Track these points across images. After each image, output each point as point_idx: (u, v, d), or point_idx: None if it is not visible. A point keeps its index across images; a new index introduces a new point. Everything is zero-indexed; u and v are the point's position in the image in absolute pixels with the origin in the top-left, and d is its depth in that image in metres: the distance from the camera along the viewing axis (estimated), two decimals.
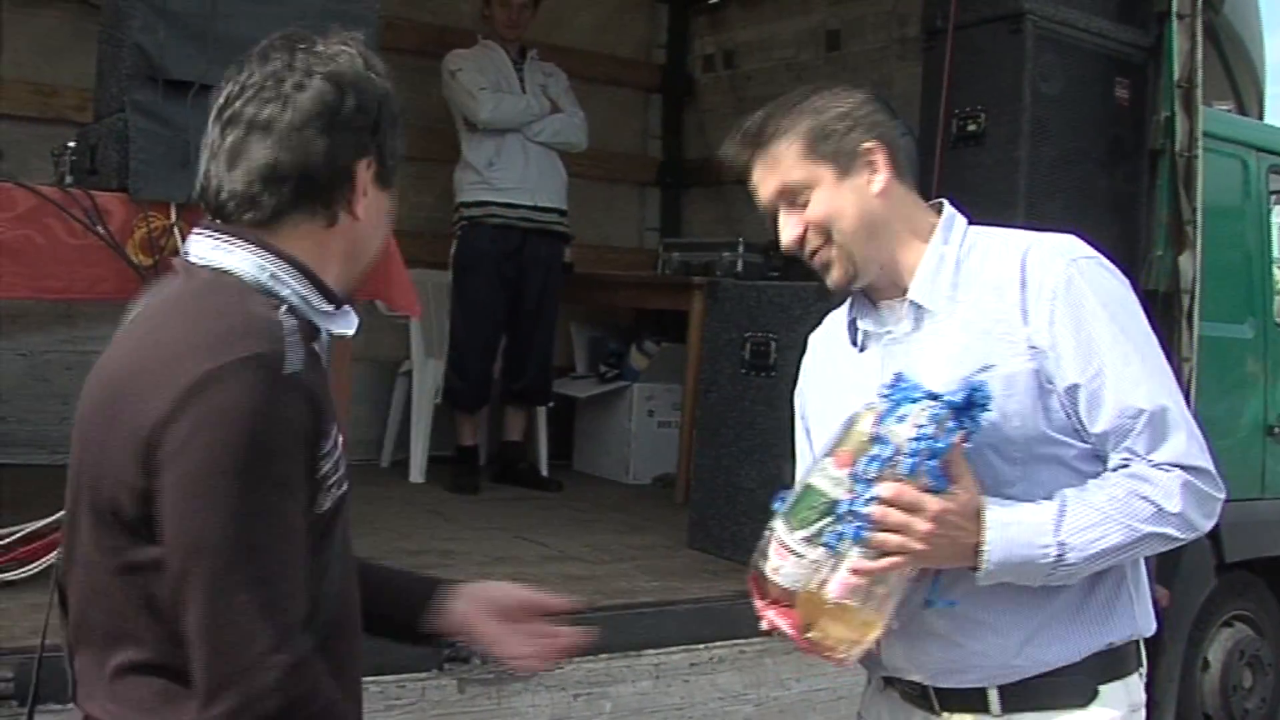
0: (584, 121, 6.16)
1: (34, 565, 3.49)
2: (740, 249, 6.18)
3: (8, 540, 3.56)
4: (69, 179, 3.63)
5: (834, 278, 2.06)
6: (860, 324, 2.12)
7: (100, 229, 3.44)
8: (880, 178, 2.04)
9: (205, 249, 1.68)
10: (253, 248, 1.66)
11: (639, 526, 5.24)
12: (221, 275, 1.66)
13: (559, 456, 6.56)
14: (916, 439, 1.79)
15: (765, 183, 2.08)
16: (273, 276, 1.65)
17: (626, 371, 6.66)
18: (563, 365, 6.76)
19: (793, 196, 2.05)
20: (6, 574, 3.48)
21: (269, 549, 1.51)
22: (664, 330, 6.61)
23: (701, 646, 3.79)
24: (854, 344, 2.13)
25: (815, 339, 2.29)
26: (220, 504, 1.49)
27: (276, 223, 1.69)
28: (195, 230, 1.72)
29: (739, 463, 4.61)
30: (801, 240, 2.05)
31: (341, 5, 3.80)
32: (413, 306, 4.08)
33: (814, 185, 2.03)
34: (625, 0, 7.50)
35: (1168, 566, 4.51)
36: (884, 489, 1.80)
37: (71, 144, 3.76)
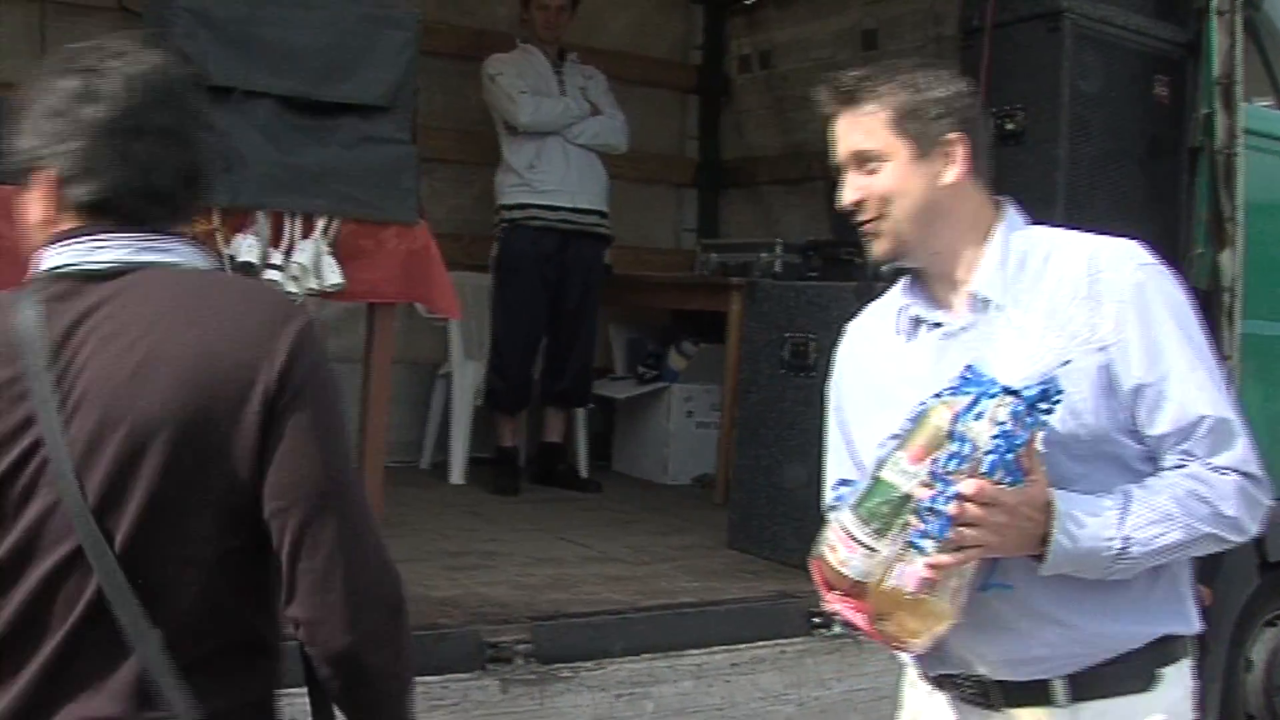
0: (624, 123, 6.18)
1: None
2: (778, 249, 6.18)
3: None
4: None
5: (877, 250, 2.08)
6: (915, 310, 2.11)
7: None
8: (954, 171, 2.04)
9: (137, 251, 1.64)
10: (188, 242, 1.69)
11: (679, 527, 5.25)
12: (199, 268, 1.69)
13: (598, 458, 6.58)
14: (997, 436, 1.80)
15: (844, 139, 2.09)
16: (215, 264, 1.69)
17: (665, 372, 6.67)
18: (601, 366, 6.77)
19: (864, 161, 2.06)
20: None
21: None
22: (702, 331, 6.61)
23: (743, 646, 3.79)
24: (901, 333, 2.12)
25: (854, 329, 2.28)
26: (342, 445, 1.64)
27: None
28: (107, 235, 1.66)
29: (779, 463, 4.62)
30: (858, 205, 2.07)
31: (380, 10, 3.83)
32: (453, 308, 4.10)
33: (888, 158, 2.04)
34: (661, 2, 7.51)
35: (1209, 566, 4.46)
36: (965, 486, 1.80)
37: None
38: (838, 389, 2.27)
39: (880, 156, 2.04)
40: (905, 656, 2.15)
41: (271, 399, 1.59)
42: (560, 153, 5.97)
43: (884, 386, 2.08)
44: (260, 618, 1.68)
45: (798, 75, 7.06)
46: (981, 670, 2.05)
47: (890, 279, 2.22)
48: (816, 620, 3.88)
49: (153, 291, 1.64)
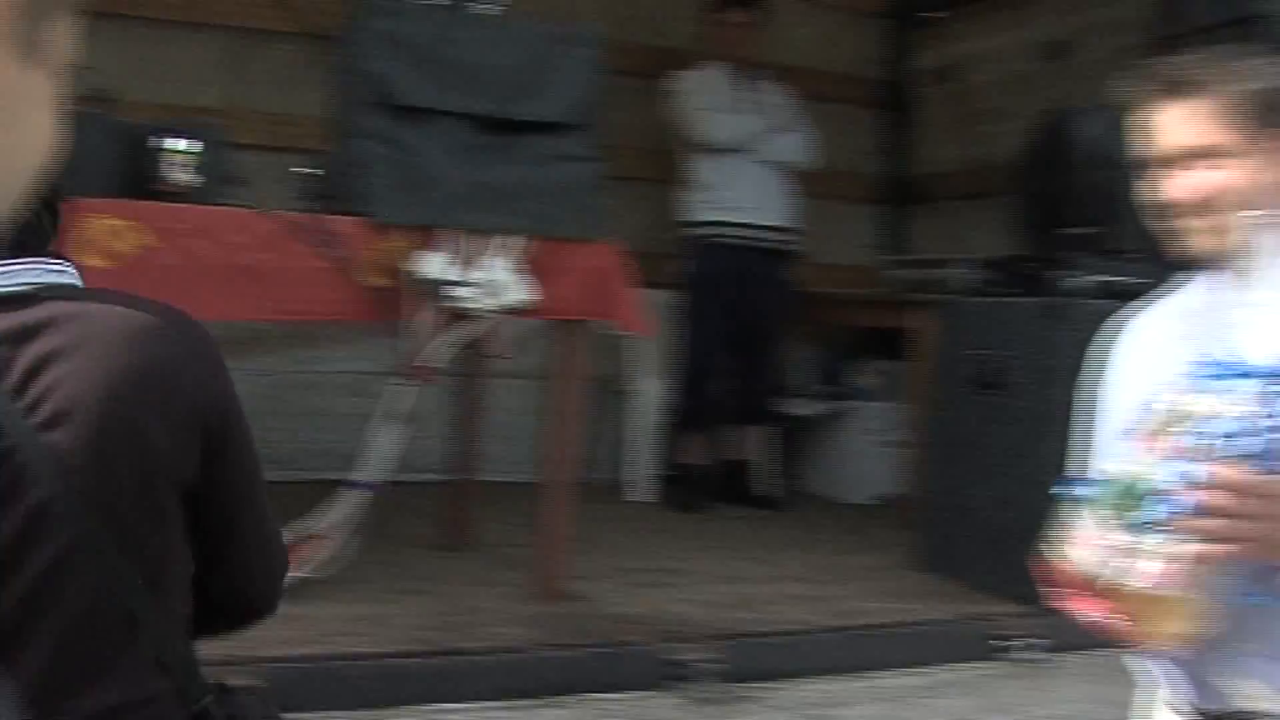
0: (811, 139, 6.14)
1: None
2: (965, 266, 6.06)
3: None
4: (306, 205, 3.76)
5: (1197, 249, 1.87)
6: (1215, 304, 1.90)
7: (335, 252, 3.55)
8: None
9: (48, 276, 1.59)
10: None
11: (863, 546, 5.18)
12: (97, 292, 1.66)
13: (783, 475, 6.53)
14: (1244, 418, 1.66)
15: (1171, 133, 1.85)
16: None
17: (850, 390, 6.60)
18: (786, 384, 6.72)
19: (1200, 156, 1.83)
20: None
21: None
22: (887, 348, 6.52)
23: (931, 670, 3.72)
24: (1194, 328, 1.91)
25: (1140, 324, 2.08)
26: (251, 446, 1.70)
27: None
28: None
29: (969, 483, 4.52)
30: (1190, 202, 1.84)
31: (565, 29, 3.86)
32: (642, 325, 4.11)
33: (1237, 156, 1.81)
34: (844, 16, 7.45)
35: None
36: (1214, 472, 1.62)
37: (309, 171, 3.89)
38: (1111, 386, 2.04)
39: (1225, 153, 1.81)
40: (1147, 678, 1.99)
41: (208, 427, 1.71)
42: (746, 170, 5.95)
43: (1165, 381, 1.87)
44: None
45: (984, 88, 6.94)
46: (1245, 705, 1.80)
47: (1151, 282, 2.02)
48: (1003, 644, 3.79)
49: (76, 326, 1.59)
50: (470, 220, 3.65)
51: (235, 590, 1.73)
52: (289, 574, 1.80)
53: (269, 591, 1.78)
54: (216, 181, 3.53)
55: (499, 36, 3.68)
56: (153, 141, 3.49)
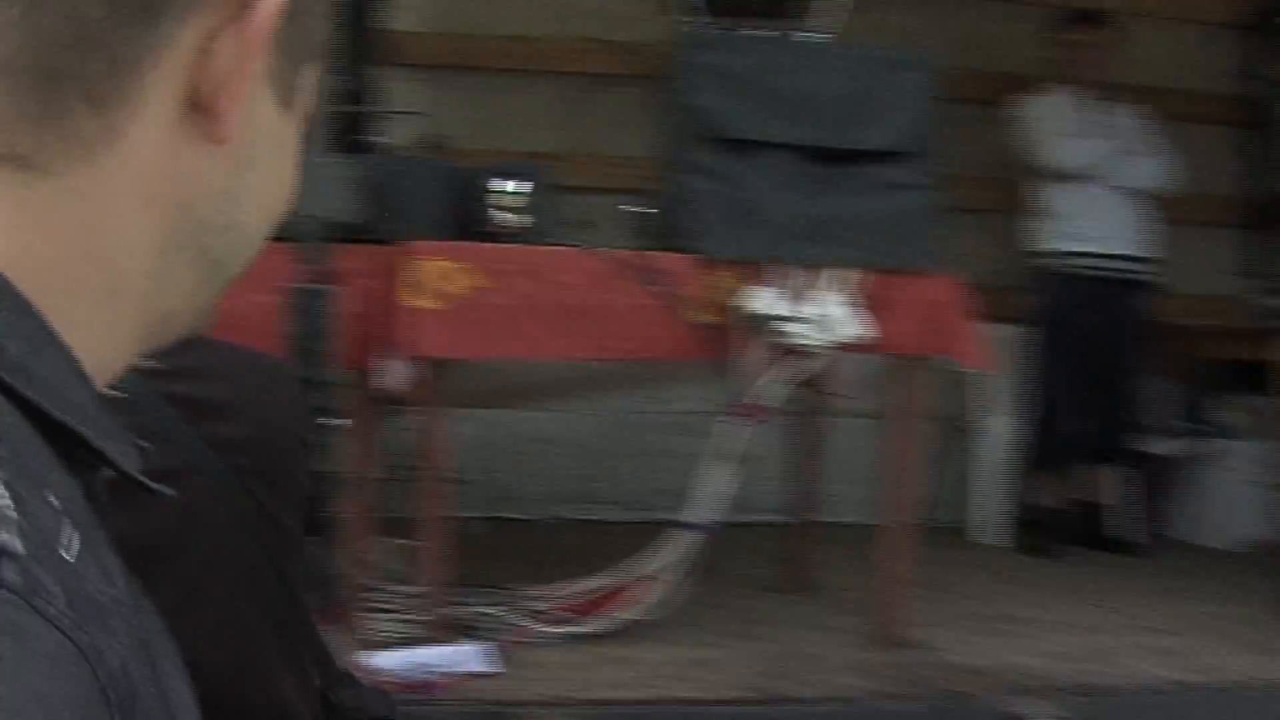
0: (1167, 162, 5.80)
1: (607, 618, 3.58)
2: None
3: (588, 593, 3.68)
4: (638, 243, 3.74)
5: None
6: None
7: (663, 289, 3.51)
8: None
9: None
10: None
11: (1233, 597, 4.79)
12: None
13: (1144, 519, 6.15)
14: None
15: None
16: None
17: (1214, 427, 6.17)
18: (1145, 421, 6.35)
19: None
20: (583, 626, 3.59)
21: None
22: (1253, 382, 6.08)
23: None
24: None
25: None
26: None
27: None
28: None
29: None
30: None
31: (897, 54, 3.73)
32: (984, 361, 3.93)
33: None
34: (1195, 29, 7.02)
35: None
36: None
37: (640, 209, 3.88)
38: None
39: None
40: None
41: None
42: (1098, 197, 5.65)
43: None
44: None
45: None
46: None
47: None
48: None
49: None
50: (800, 253, 3.56)
51: None
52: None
53: None
54: (546, 222, 3.55)
55: (828, 64, 3.58)
56: (483, 184, 3.53)
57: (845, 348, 3.60)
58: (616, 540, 3.71)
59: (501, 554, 4.51)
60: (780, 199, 3.54)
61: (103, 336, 0.67)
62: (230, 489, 1.81)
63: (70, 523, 0.56)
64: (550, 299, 3.48)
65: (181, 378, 1.85)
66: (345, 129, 3.57)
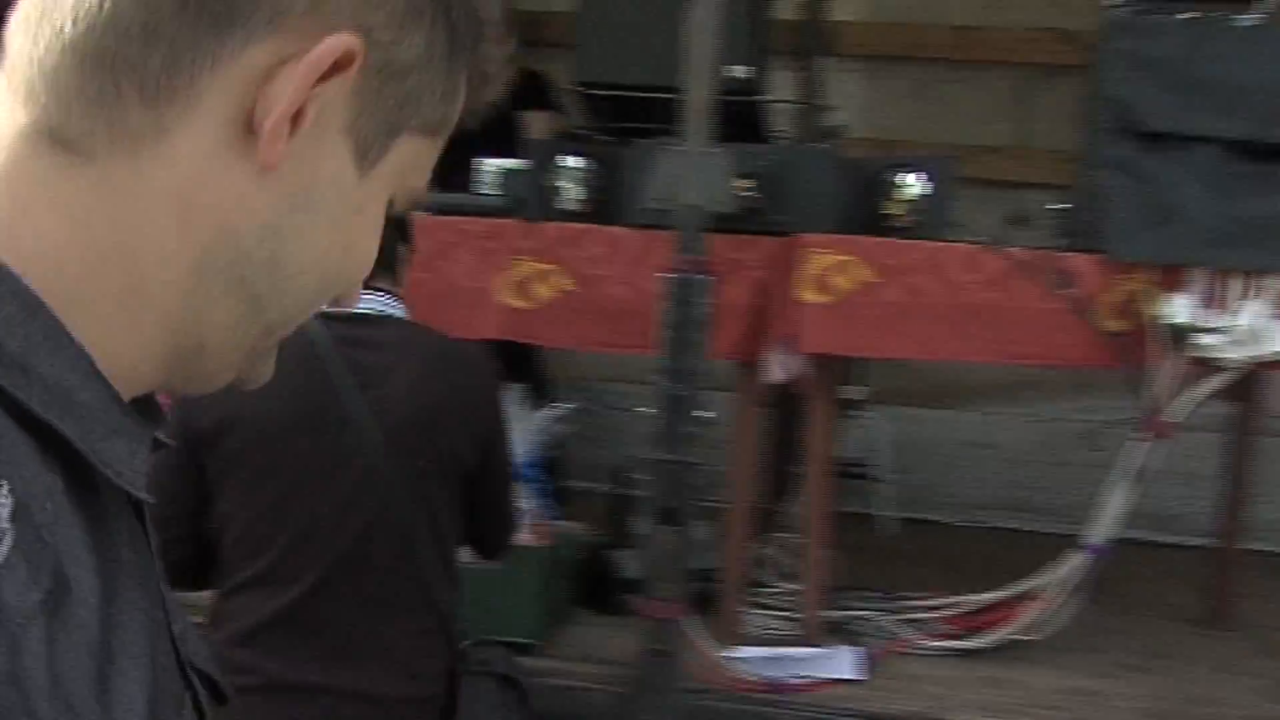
0: None
1: (989, 635, 3.41)
2: None
3: (977, 606, 3.51)
4: (1055, 243, 3.52)
5: None
6: None
7: (1069, 292, 3.29)
8: None
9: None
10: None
11: None
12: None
13: None
14: None
15: None
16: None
17: None
18: None
19: None
20: (964, 641, 3.43)
21: None
22: None
23: None
24: None
25: None
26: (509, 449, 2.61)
27: None
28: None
29: None
30: None
31: None
32: None
33: None
34: None
35: None
36: None
37: (1060, 207, 3.66)
38: None
39: None
40: None
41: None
42: None
43: None
44: None
45: None
46: None
47: None
48: None
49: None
50: (1223, 258, 3.24)
51: (475, 543, 2.56)
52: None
53: (503, 552, 2.67)
54: (944, 217, 3.40)
55: (1263, 50, 3.24)
56: (883, 177, 3.42)
57: (1270, 365, 3.26)
58: (1037, 552, 3.51)
59: (909, 557, 4.37)
60: (1202, 198, 3.23)
61: (123, 337, 0.69)
62: (374, 440, 2.25)
63: (12, 524, 0.57)
64: (945, 298, 3.32)
65: (361, 346, 2.32)
66: (738, 119, 3.54)
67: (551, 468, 3.71)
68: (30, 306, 0.64)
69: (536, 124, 5.15)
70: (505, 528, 2.62)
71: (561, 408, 3.54)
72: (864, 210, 3.44)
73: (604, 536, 3.94)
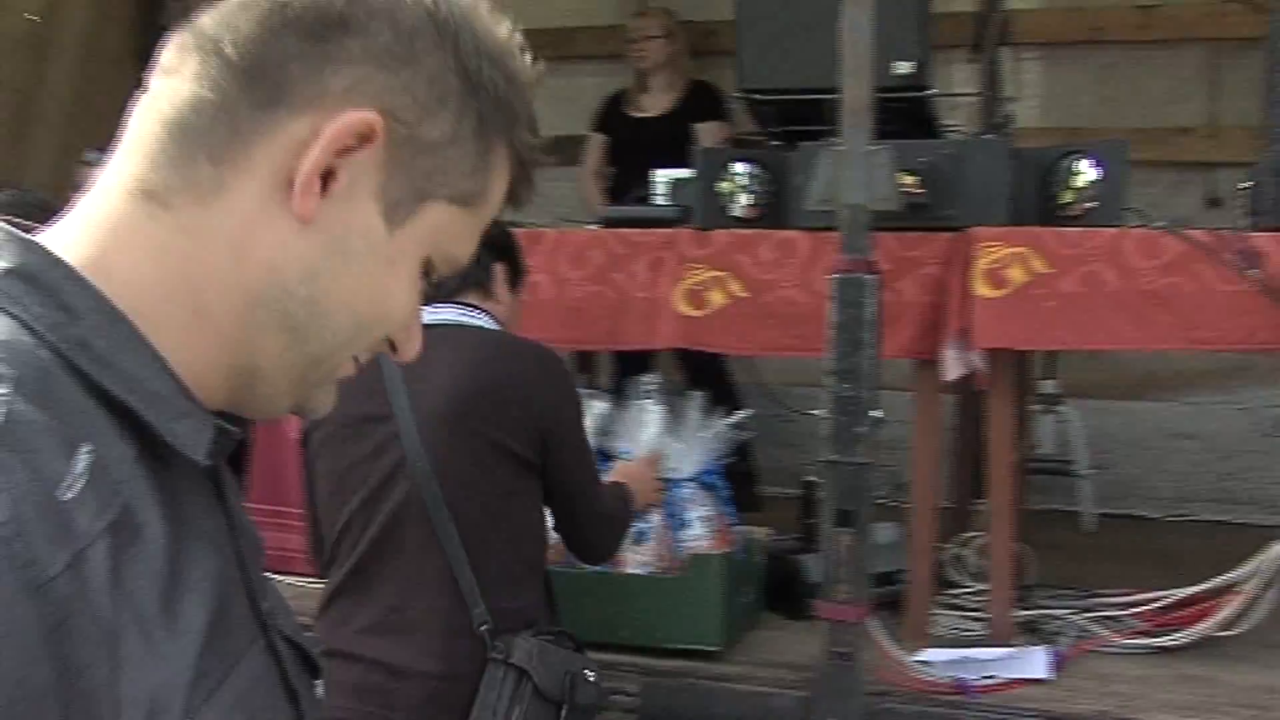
0: None
1: (1185, 631, 3.30)
2: None
3: (1174, 602, 3.41)
4: (1245, 223, 3.40)
5: None
6: None
7: (1257, 274, 3.17)
8: None
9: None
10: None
11: None
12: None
13: None
14: None
15: None
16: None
17: None
18: None
19: None
20: (1159, 639, 3.33)
21: None
22: None
23: None
24: None
25: None
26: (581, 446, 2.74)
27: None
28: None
29: None
30: None
31: None
32: None
33: None
34: None
35: None
36: None
37: (1246, 185, 3.53)
38: None
39: None
40: None
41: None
42: None
43: None
44: None
45: None
46: None
47: None
48: None
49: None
50: None
51: (572, 545, 2.74)
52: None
53: (592, 552, 2.82)
54: (1118, 203, 3.31)
55: None
56: (1054, 165, 3.35)
57: None
58: (1244, 545, 3.38)
59: (1108, 553, 4.27)
60: None
61: (191, 351, 0.85)
62: (409, 431, 2.46)
63: (87, 473, 0.73)
64: (1124, 285, 3.23)
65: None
66: (904, 115, 3.50)
67: (732, 473, 3.72)
68: (113, 317, 0.81)
69: (707, 134, 5.18)
70: (585, 527, 2.74)
71: (742, 413, 3.54)
72: (1036, 200, 3.37)
73: (791, 540, 3.93)
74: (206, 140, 0.86)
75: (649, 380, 3.40)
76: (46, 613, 0.69)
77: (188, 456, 0.84)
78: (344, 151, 0.86)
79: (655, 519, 3.29)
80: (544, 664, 2.50)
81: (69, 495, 0.72)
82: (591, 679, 2.56)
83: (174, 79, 0.88)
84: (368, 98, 0.87)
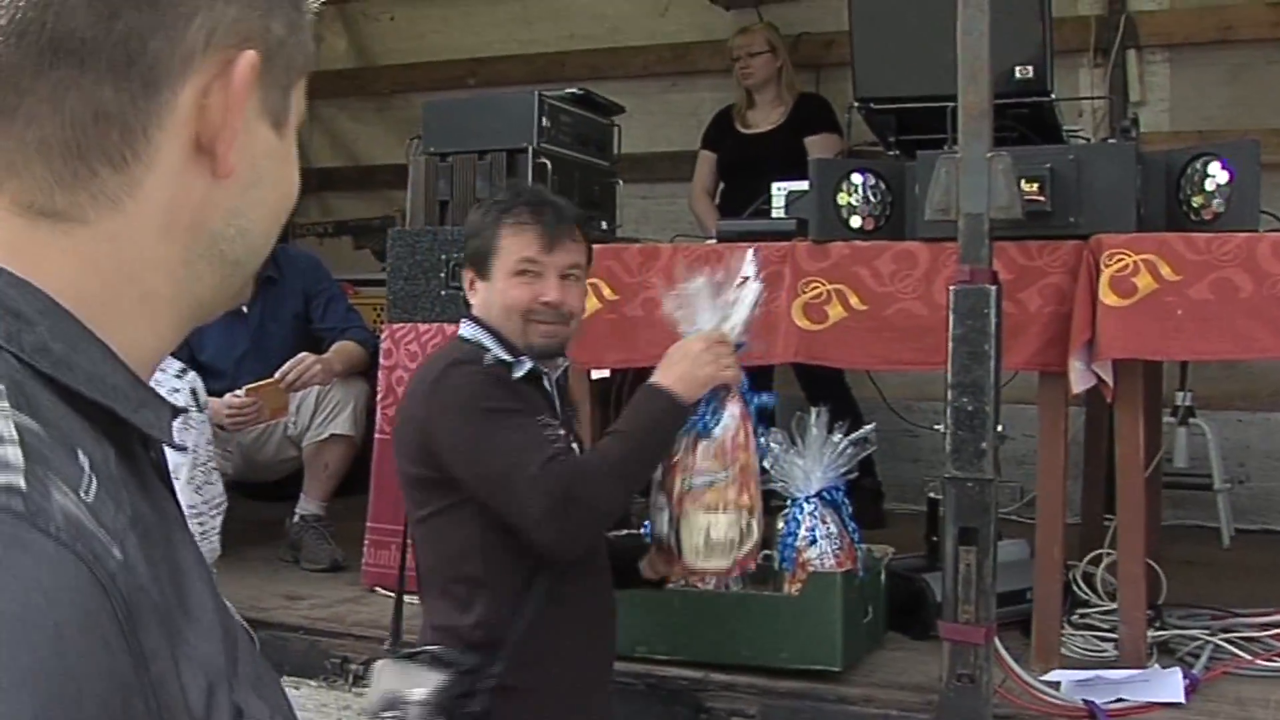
0: None
1: None
2: None
3: None
4: None
5: None
6: None
7: None
8: None
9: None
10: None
11: None
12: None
13: None
14: None
15: None
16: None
17: None
18: None
19: None
20: None
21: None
22: None
23: None
24: None
25: None
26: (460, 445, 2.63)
27: None
28: None
29: None
30: None
31: None
32: None
33: None
34: None
35: None
36: None
37: None
38: None
39: None
40: None
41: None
42: None
43: None
44: None
45: None
46: None
47: None
48: None
49: None
50: None
51: (514, 527, 2.53)
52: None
53: (531, 526, 2.49)
54: (1248, 206, 3.19)
55: None
56: (1181, 169, 3.24)
57: None
58: None
59: (1246, 571, 4.12)
60: None
61: (143, 334, 0.86)
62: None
63: (92, 473, 0.74)
64: (1259, 291, 3.11)
65: None
66: (1025, 121, 3.42)
67: (857, 490, 3.65)
68: (62, 317, 0.81)
69: (818, 147, 5.13)
70: (531, 505, 2.48)
71: (865, 429, 3.47)
72: (1164, 206, 3.27)
73: (916, 558, 3.86)
74: (103, 151, 0.83)
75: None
76: (119, 604, 0.71)
77: (161, 442, 0.87)
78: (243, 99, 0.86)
79: (730, 411, 2.69)
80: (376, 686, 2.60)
81: (90, 496, 0.73)
82: (416, 698, 2.50)
83: (29, 100, 0.83)
84: (230, 36, 0.86)
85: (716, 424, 2.66)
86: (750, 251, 2.85)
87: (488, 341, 2.67)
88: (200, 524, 3.84)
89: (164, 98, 0.84)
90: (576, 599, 2.64)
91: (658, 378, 2.64)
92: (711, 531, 2.61)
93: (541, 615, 2.58)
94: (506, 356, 2.65)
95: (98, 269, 0.84)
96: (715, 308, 2.70)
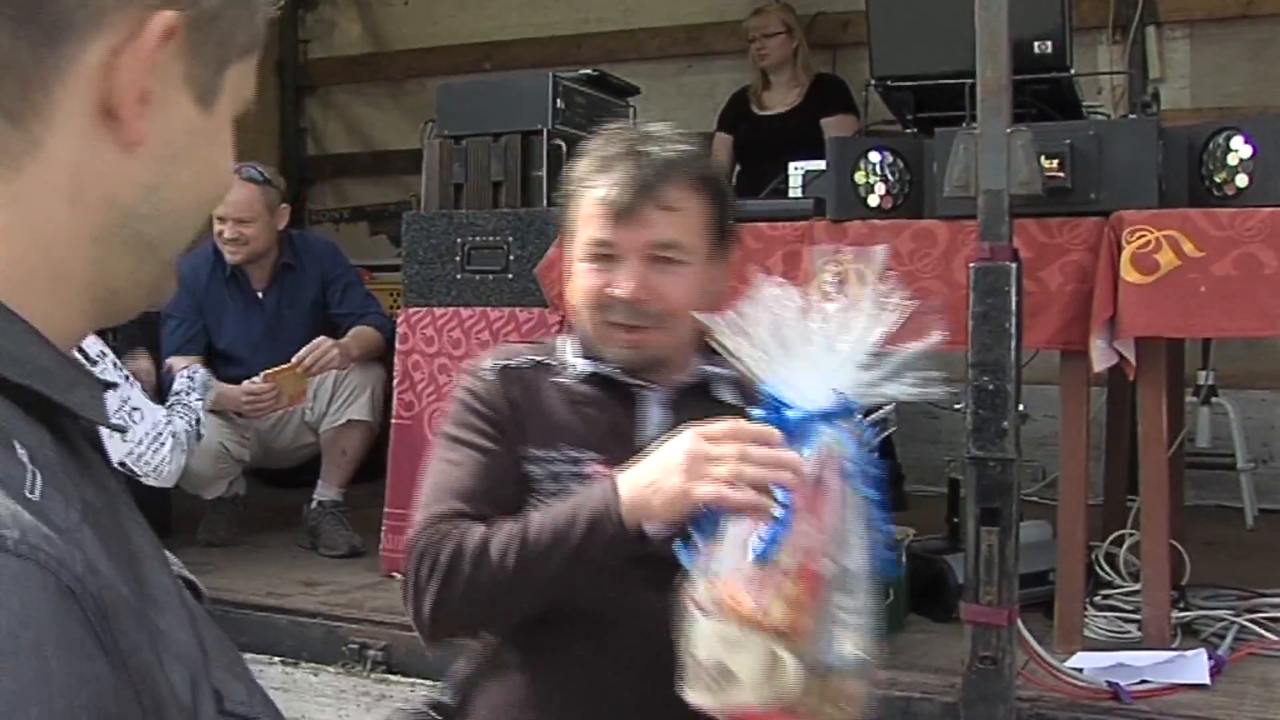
0: None
1: None
2: None
3: None
4: None
5: None
6: None
7: None
8: None
9: None
10: None
11: None
12: None
13: None
14: None
15: None
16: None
17: None
18: None
19: None
20: None
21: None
22: None
23: None
24: None
25: None
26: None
27: None
28: None
29: None
30: None
31: None
32: None
33: None
34: None
35: None
36: None
37: None
38: None
39: None
40: None
41: None
42: None
43: None
44: None
45: None
46: None
47: None
48: None
49: None
50: None
51: None
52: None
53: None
54: (1272, 181, 3.14)
55: None
56: (1203, 144, 3.20)
57: None
58: None
59: (1273, 551, 4.08)
60: None
61: (59, 315, 0.81)
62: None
63: (34, 469, 0.71)
64: None
65: None
66: (1044, 97, 3.38)
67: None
68: None
69: (835, 127, 5.10)
70: None
71: (882, 409, 3.43)
72: (1186, 181, 3.23)
73: (937, 540, 3.83)
74: None
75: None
76: (90, 607, 0.69)
77: (96, 423, 0.84)
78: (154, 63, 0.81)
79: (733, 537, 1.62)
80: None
81: (36, 495, 0.70)
82: None
83: None
84: None
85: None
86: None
87: (560, 340, 2.09)
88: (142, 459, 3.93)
89: (68, 51, 0.78)
90: (574, 659, 1.93)
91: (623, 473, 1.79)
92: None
93: (520, 671, 1.97)
94: (578, 362, 2.03)
95: (8, 235, 0.79)
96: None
